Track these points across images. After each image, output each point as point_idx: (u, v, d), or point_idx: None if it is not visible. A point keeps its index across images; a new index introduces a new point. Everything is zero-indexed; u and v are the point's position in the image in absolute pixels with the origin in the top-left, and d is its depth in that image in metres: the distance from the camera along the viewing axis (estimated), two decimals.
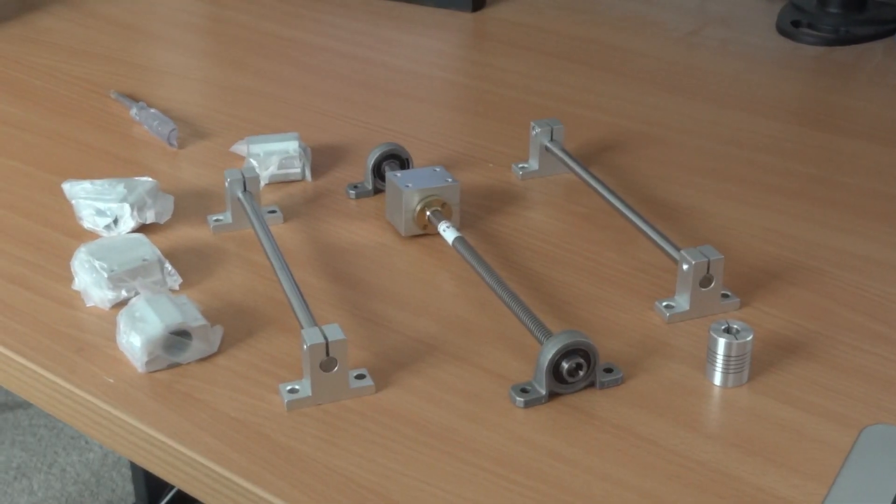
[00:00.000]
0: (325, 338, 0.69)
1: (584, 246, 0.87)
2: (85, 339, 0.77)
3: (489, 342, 0.76)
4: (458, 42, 1.33)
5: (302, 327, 0.71)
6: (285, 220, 0.91)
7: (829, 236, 0.89)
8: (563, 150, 0.96)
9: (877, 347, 0.76)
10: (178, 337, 0.73)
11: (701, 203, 0.94)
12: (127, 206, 0.87)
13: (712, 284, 0.78)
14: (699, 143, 1.05)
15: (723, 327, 0.71)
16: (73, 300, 0.80)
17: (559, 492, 0.64)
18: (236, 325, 0.77)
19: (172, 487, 1.76)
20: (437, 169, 0.89)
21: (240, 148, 1.01)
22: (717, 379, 0.72)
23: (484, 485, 0.64)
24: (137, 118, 1.07)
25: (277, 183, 0.96)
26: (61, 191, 0.91)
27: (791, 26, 1.29)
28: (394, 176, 0.88)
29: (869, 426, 0.68)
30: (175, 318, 0.73)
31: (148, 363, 0.73)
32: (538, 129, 0.97)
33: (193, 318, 0.73)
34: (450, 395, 0.71)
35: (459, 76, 1.24)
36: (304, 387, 0.70)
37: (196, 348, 0.74)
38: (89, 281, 0.80)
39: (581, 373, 0.70)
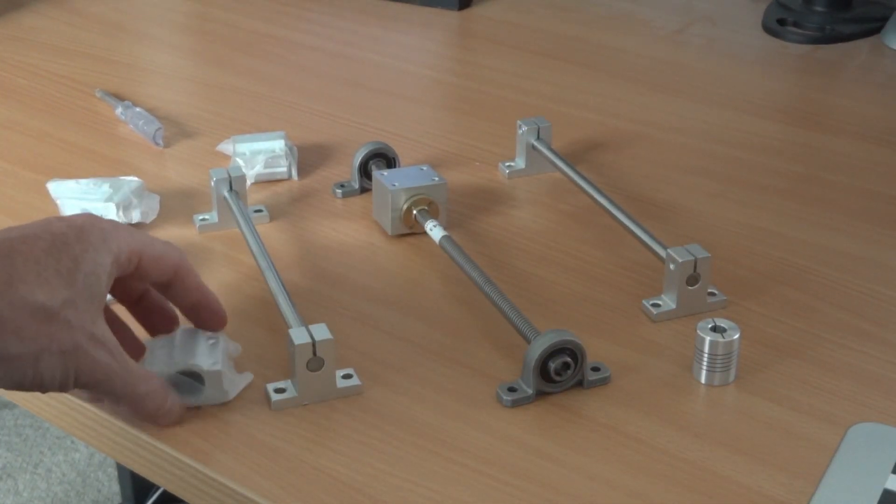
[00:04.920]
0: (312, 337, 0.68)
1: (571, 245, 0.87)
2: None
3: (476, 341, 0.76)
4: (444, 40, 1.33)
5: (289, 327, 0.70)
6: (272, 219, 0.91)
7: (816, 234, 0.89)
8: (550, 149, 0.95)
9: (863, 345, 0.76)
10: (188, 378, 0.68)
11: (688, 201, 0.94)
12: (112, 206, 0.87)
13: (699, 283, 0.78)
14: (686, 142, 1.05)
15: (710, 326, 0.71)
16: None
17: (546, 491, 0.64)
18: None
19: (159, 487, 1.76)
20: (424, 168, 0.89)
21: (226, 147, 1.01)
22: (704, 377, 0.72)
23: (471, 484, 0.64)
24: (123, 117, 1.06)
25: (264, 182, 0.96)
26: (46, 190, 0.91)
27: (777, 24, 1.29)
28: (380, 175, 0.88)
29: (856, 424, 0.68)
30: (187, 359, 0.68)
31: None
32: (525, 128, 0.97)
33: (210, 361, 0.68)
34: (437, 395, 0.71)
35: (446, 75, 1.23)
36: (290, 387, 0.70)
37: (208, 394, 0.68)
38: None
39: (568, 372, 0.70)
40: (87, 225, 0.63)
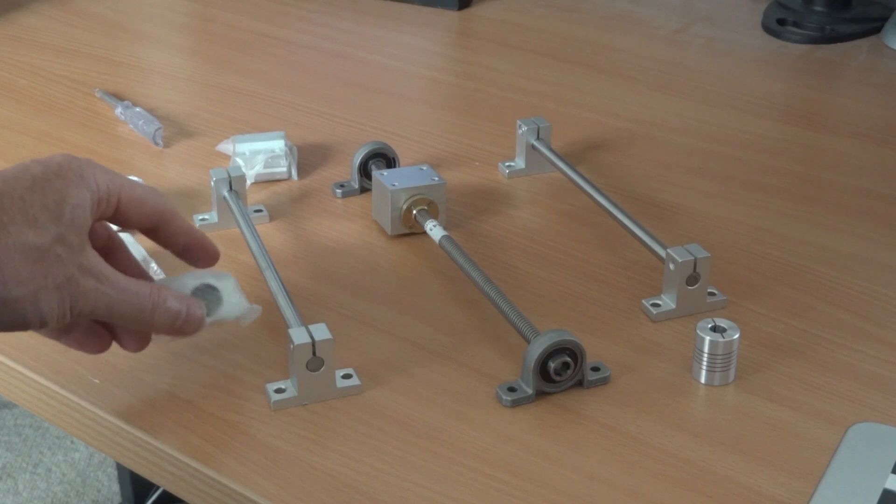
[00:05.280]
0: (312, 337, 0.68)
1: (570, 244, 0.87)
2: None
3: (476, 341, 0.76)
4: (444, 40, 1.33)
5: (289, 327, 0.71)
6: (271, 219, 0.91)
7: (815, 234, 0.89)
8: (550, 149, 0.95)
9: (863, 345, 0.76)
10: (204, 296, 0.70)
11: (687, 201, 0.94)
12: None
13: (699, 283, 0.78)
14: (685, 142, 1.05)
15: (709, 326, 0.71)
16: None
17: (546, 491, 0.64)
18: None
19: (158, 487, 1.76)
20: (424, 168, 0.89)
21: (226, 147, 1.01)
22: (704, 377, 0.72)
23: (471, 484, 0.64)
24: (122, 117, 1.07)
25: (263, 182, 0.96)
26: None
27: (776, 24, 1.29)
28: (380, 175, 0.88)
29: (855, 424, 0.68)
30: (199, 278, 0.70)
31: None
32: (525, 128, 0.97)
33: (219, 275, 0.71)
34: (437, 395, 0.71)
35: (446, 75, 1.23)
36: (290, 386, 0.70)
37: (227, 306, 0.70)
38: None
39: (568, 371, 0.70)
40: (64, 162, 0.64)
